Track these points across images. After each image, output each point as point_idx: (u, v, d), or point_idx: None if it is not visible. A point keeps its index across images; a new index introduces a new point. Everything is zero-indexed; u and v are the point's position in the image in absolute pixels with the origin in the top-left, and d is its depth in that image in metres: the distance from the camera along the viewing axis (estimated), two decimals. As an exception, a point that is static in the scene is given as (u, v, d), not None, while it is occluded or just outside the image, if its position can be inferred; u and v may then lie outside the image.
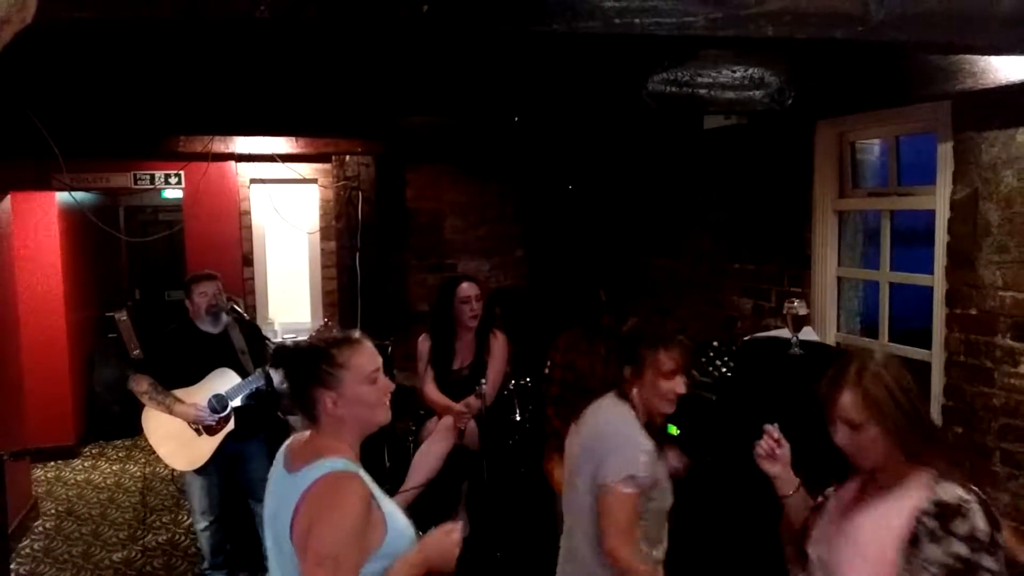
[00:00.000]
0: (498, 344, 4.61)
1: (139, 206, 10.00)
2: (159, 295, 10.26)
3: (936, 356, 3.54)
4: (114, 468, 7.07)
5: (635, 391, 2.57)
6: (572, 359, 4.31)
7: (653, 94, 3.26)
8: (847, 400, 1.93)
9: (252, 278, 6.75)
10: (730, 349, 4.10)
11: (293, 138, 5.95)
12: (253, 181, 6.68)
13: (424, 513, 4.24)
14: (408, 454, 4.67)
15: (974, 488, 1.87)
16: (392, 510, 2.13)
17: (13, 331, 5.93)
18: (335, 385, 2.07)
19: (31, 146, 4.23)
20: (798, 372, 3.44)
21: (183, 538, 5.45)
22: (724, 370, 3.84)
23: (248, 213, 6.72)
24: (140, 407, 4.28)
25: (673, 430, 3.95)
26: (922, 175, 3.79)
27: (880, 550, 1.89)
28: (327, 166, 6.54)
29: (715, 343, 4.08)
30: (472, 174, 6.86)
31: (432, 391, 4.59)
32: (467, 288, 4.58)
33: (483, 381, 4.28)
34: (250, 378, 4.25)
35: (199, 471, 4.27)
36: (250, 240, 6.75)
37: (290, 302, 6.92)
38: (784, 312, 3.65)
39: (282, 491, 2.09)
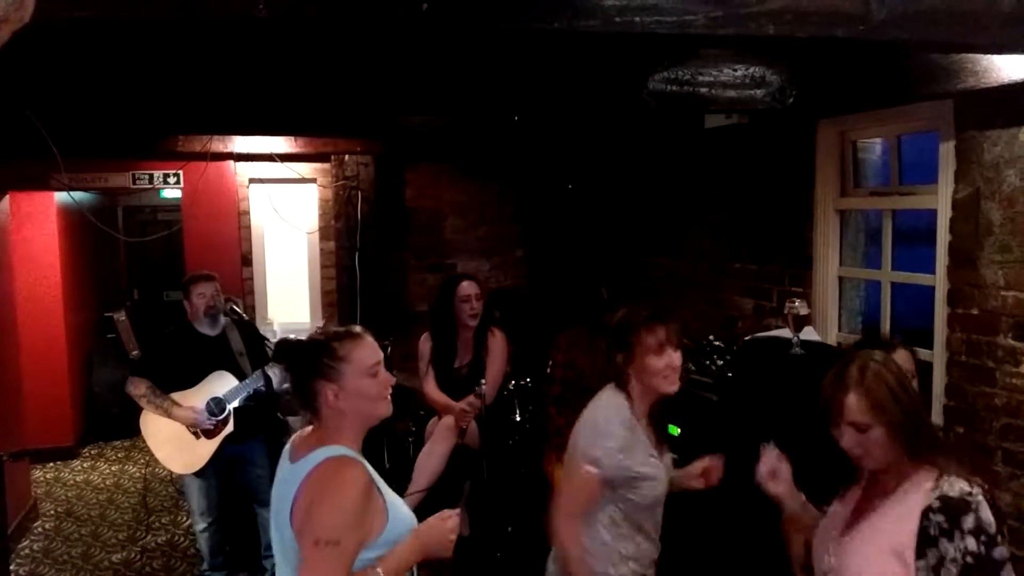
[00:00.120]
0: (496, 343, 4.60)
1: (138, 206, 9.99)
2: (158, 295, 10.25)
3: (938, 356, 3.53)
4: (113, 469, 7.06)
5: (633, 379, 2.58)
6: (574, 358, 4.31)
7: (654, 93, 3.24)
8: (852, 402, 1.93)
9: (251, 278, 6.74)
10: (731, 349, 4.09)
11: (292, 138, 5.94)
12: (252, 181, 6.67)
13: (425, 513, 4.23)
14: (408, 455, 4.66)
15: (977, 481, 1.87)
16: (394, 500, 2.15)
17: (12, 332, 5.92)
18: (336, 378, 2.09)
19: (30, 146, 4.22)
20: (799, 372, 3.42)
21: (182, 539, 5.44)
22: (725, 369, 3.82)
23: (247, 213, 6.71)
24: (138, 409, 4.27)
25: (674, 430, 3.94)
26: (924, 174, 3.78)
27: (891, 552, 1.89)
28: (326, 166, 6.53)
29: (711, 337, 4.07)
30: (472, 174, 6.85)
31: (433, 390, 4.59)
32: (467, 287, 4.58)
33: (483, 381, 4.27)
34: (248, 380, 4.24)
35: (197, 473, 4.25)
36: (249, 240, 6.74)
37: (289, 302, 6.91)
38: (785, 312, 3.64)
39: (284, 482, 2.12)
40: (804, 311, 3.61)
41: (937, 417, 3.48)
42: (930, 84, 3.16)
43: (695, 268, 5.38)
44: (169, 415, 4.18)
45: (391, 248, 6.62)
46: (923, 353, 3.59)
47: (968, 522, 1.80)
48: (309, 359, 2.13)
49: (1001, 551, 1.79)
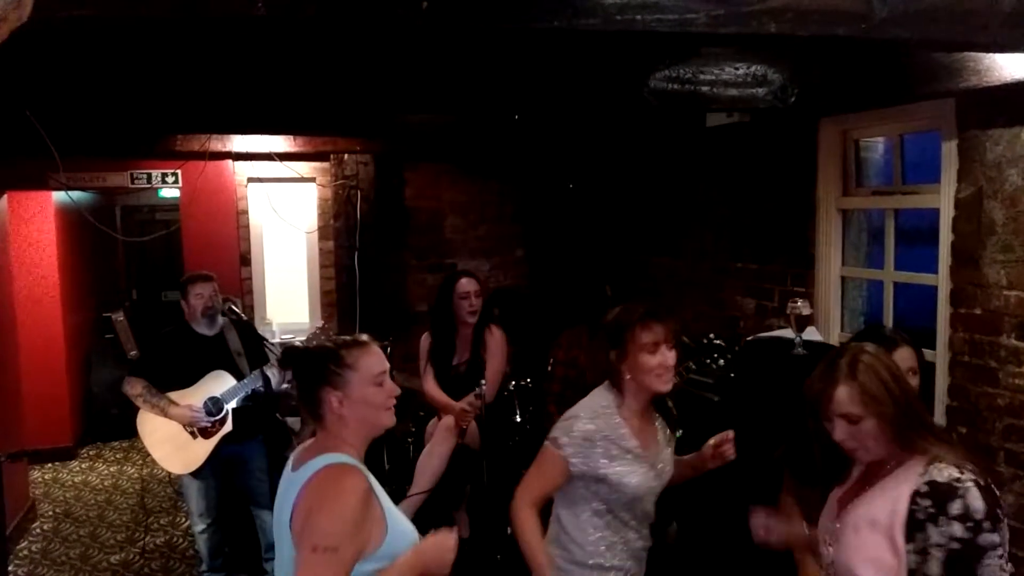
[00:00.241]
0: (494, 340, 4.59)
1: (136, 205, 9.96)
2: (156, 295, 10.24)
3: (940, 356, 3.52)
4: (112, 470, 7.05)
5: (626, 376, 2.57)
6: (575, 356, 4.31)
7: (655, 92, 3.23)
8: (843, 394, 1.94)
9: (250, 278, 6.73)
10: (731, 347, 4.07)
11: (291, 137, 5.92)
12: (251, 180, 6.66)
13: (425, 513, 4.22)
14: (408, 456, 4.65)
15: (970, 467, 1.86)
16: (394, 511, 2.13)
17: (10, 332, 5.91)
18: (342, 385, 2.09)
19: (27, 145, 4.20)
20: (801, 372, 3.40)
21: (181, 540, 5.43)
22: (727, 369, 3.81)
23: (246, 212, 6.70)
24: (137, 409, 4.26)
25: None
26: (926, 173, 3.77)
27: (884, 537, 1.90)
28: (325, 165, 6.52)
29: (712, 335, 4.05)
30: (472, 173, 6.83)
31: (432, 388, 4.58)
32: (466, 284, 4.57)
33: (483, 382, 4.26)
34: (246, 380, 4.23)
35: (195, 474, 4.24)
36: (248, 239, 6.72)
37: (288, 302, 6.89)
38: (787, 312, 3.63)
39: (286, 489, 2.11)
40: (806, 311, 3.60)
41: (940, 418, 3.47)
42: (932, 83, 3.15)
43: (696, 268, 5.37)
44: (166, 414, 4.17)
45: (391, 248, 6.60)
46: (926, 353, 3.57)
47: (955, 508, 1.80)
48: (315, 366, 2.12)
49: (988, 537, 1.78)
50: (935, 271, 3.57)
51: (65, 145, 4.14)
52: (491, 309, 4.84)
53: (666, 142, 5.57)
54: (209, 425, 4.19)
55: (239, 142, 5.88)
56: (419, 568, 2.10)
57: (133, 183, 6.47)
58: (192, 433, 4.21)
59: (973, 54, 2.87)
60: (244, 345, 4.38)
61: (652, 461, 2.61)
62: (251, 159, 6.39)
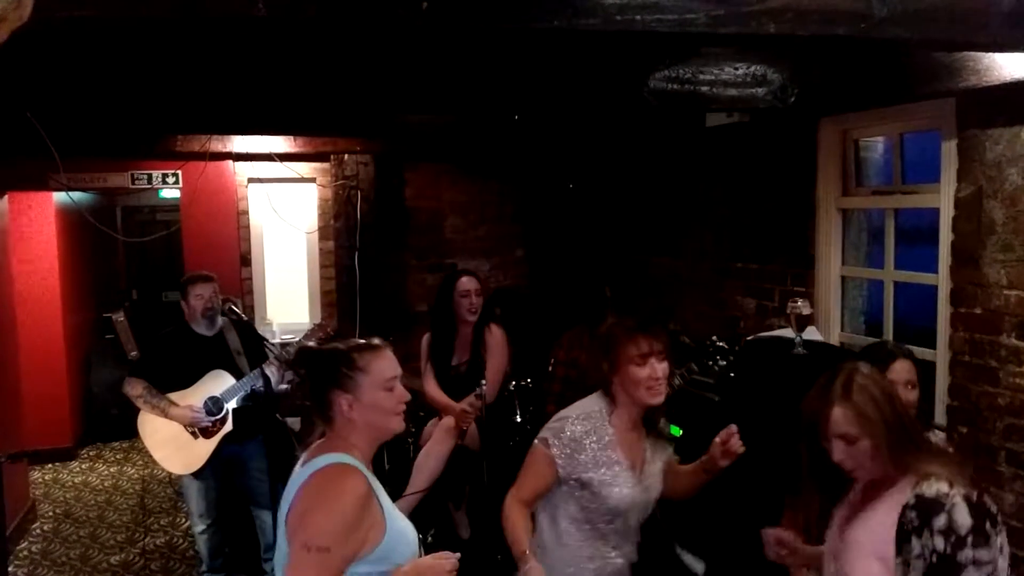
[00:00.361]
0: (494, 339, 4.58)
1: (136, 206, 9.97)
2: (156, 295, 10.24)
3: (941, 355, 3.52)
4: (112, 470, 7.05)
5: (617, 388, 2.58)
6: (576, 356, 4.30)
7: (655, 92, 3.24)
8: (838, 415, 1.96)
9: (250, 278, 6.73)
10: (734, 349, 4.07)
11: (291, 137, 5.92)
12: (251, 180, 6.66)
13: (424, 514, 4.22)
14: (408, 456, 4.65)
15: (964, 483, 1.87)
16: (395, 514, 2.12)
17: (10, 332, 5.91)
18: (352, 388, 2.09)
19: (28, 146, 4.20)
20: (802, 372, 3.41)
21: (181, 541, 5.43)
22: (727, 369, 3.81)
23: (246, 213, 6.70)
24: (137, 410, 4.26)
25: (676, 431, 3.93)
26: (926, 173, 3.77)
27: (879, 551, 1.92)
28: (326, 165, 6.52)
29: (715, 337, 4.06)
30: (472, 173, 6.83)
31: (433, 388, 4.57)
32: (466, 282, 4.57)
33: (483, 382, 4.25)
34: (245, 379, 4.23)
35: (196, 474, 4.24)
36: (248, 240, 6.72)
37: (288, 302, 6.90)
38: (788, 311, 3.63)
39: (289, 487, 2.11)
40: (806, 311, 3.60)
41: (940, 417, 3.48)
42: (932, 82, 3.15)
43: (696, 267, 5.37)
44: (166, 415, 4.17)
45: (391, 248, 6.60)
46: (926, 353, 3.58)
47: (939, 522, 1.81)
48: (327, 367, 2.12)
49: (969, 553, 1.78)
50: (935, 271, 3.57)
51: (66, 146, 4.14)
52: (492, 309, 4.84)
53: (666, 142, 5.57)
54: (210, 425, 4.19)
55: (239, 143, 5.88)
56: None
57: (134, 183, 6.47)
58: (193, 433, 4.21)
59: (973, 53, 2.87)
60: (244, 345, 4.38)
61: (638, 475, 2.61)
62: (251, 159, 6.39)
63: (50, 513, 6.05)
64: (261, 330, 5.08)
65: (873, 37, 2.18)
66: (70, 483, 6.72)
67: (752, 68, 3.28)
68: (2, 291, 5.77)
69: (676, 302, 5.51)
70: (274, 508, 3.99)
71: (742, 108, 3.98)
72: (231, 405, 4.22)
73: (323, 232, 6.76)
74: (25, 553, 5.35)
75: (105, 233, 7.11)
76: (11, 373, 5.79)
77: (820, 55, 3.28)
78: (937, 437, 2.75)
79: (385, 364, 2.14)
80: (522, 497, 2.58)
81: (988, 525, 1.81)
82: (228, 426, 4.21)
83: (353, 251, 6.30)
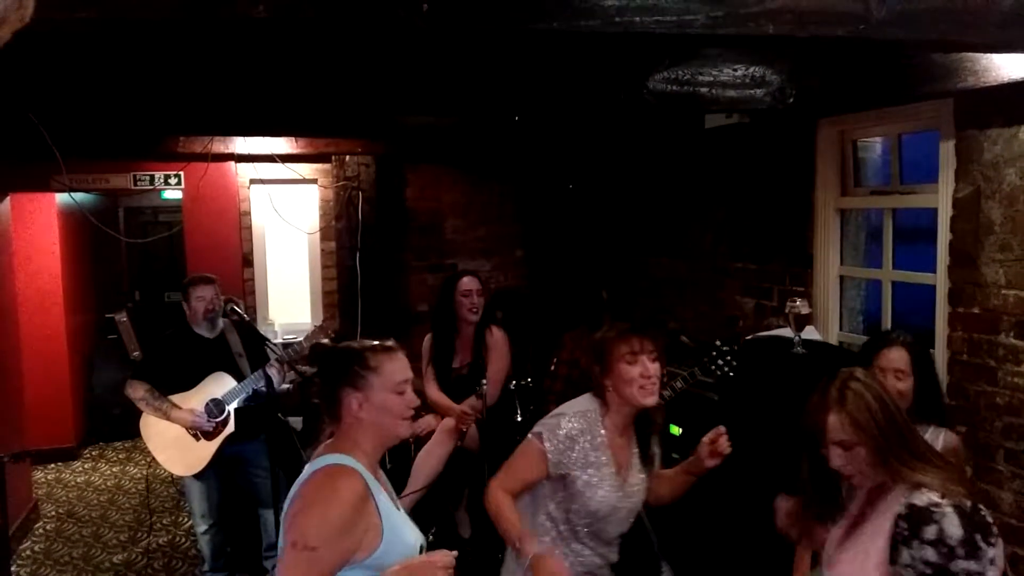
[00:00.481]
0: (496, 341, 4.59)
1: (139, 207, 9.99)
2: (159, 296, 10.24)
3: (939, 355, 3.52)
4: (114, 470, 7.07)
5: (610, 391, 2.59)
6: (578, 357, 4.31)
7: (654, 93, 3.24)
8: (834, 422, 1.97)
9: (252, 279, 6.74)
10: (732, 349, 4.08)
11: (293, 138, 5.94)
12: (253, 181, 6.67)
13: (425, 513, 4.23)
14: (409, 456, 4.66)
15: (959, 493, 1.87)
16: (395, 520, 2.10)
17: (13, 333, 5.93)
18: (363, 387, 2.09)
19: (31, 147, 4.23)
20: (801, 372, 3.42)
21: (184, 540, 5.44)
22: (727, 370, 3.82)
23: (248, 214, 6.71)
24: (139, 410, 4.27)
25: (675, 430, 3.94)
26: (924, 173, 3.78)
27: (874, 560, 1.92)
28: (327, 166, 6.53)
29: (719, 342, 4.07)
30: (472, 174, 6.85)
31: (434, 391, 4.58)
32: (468, 282, 4.58)
33: (484, 381, 4.26)
34: (247, 381, 4.24)
35: (198, 475, 4.26)
36: (250, 241, 6.74)
37: (290, 303, 6.91)
38: (786, 311, 3.64)
39: (292, 488, 2.11)
40: (805, 310, 3.61)
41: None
42: (930, 83, 3.16)
43: (696, 268, 5.38)
44: (168, 417, 4.19)
45: (392, 248, 6.62)
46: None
47: (929, 532, 1.81)
48: (340, 365, 2.13)
49: (962, 564, 1.78)
50: (933, 270, 3.59)
51: (68, 147, 4.16)
52: (493, 311, 4.85)
53: (665, 143, 5.58)
54: (211, 428, 4.20)
55: (241, 144, 5.90)
56: None
57: (136, 185, 6.48)
58: (195, 435, 4.22)
59: (971, 54, 2.87)
60: (245, 346, 4.40)
61: (623, 480, 2.62)
62: (253, 161, 6.41)
63: (53, 513, 6.06)
64: (263, 330, 5.09)
65: (872, 38, 2.18)
66: (73, 483, 6.73)
67: (751, 69, 3.29)
68: (5, 292, 5.78)
69: (675, 302, 5.52)
70: (276, 507, 4.02)
71: (741, 109, 3.99)
72: (233, 407, 4.23)
73: (324, 233, 6.77)
74: (28, 552, 5.36)
75: (107, 234, 7.12)
76: (14, 373, 5.81)
77: (819, 56, 3.28)
78: (947, 438, 2.74)
79: (397, 367, 2.15)
80: (506, 487, 2.58)
81: (980, 537, 1.80)
82: (230, 427, 4.22)
83: (354, 252, 6.32)
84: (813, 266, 4.31)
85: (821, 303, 4.26)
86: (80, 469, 7.09)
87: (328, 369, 2.17)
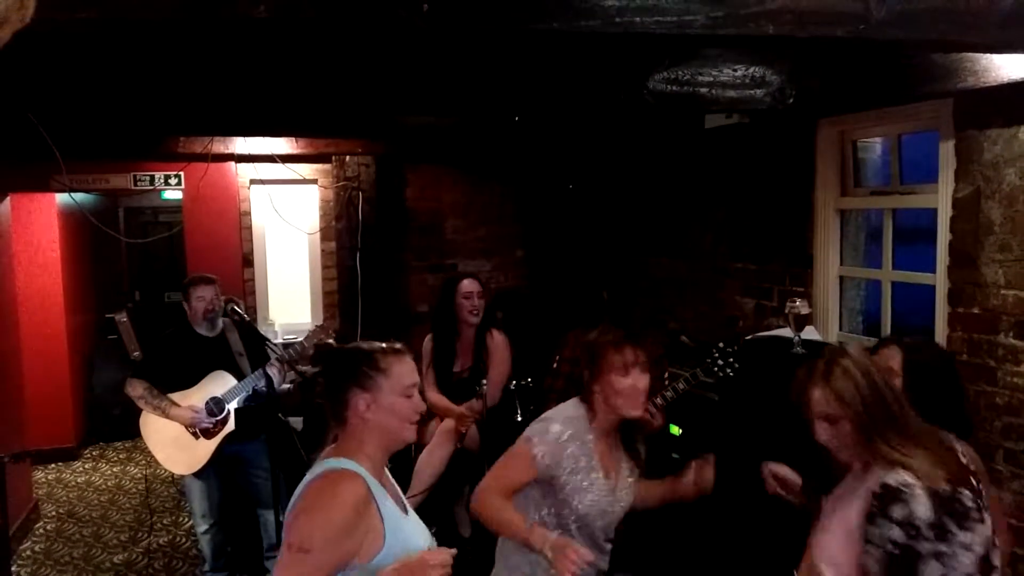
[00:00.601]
0: (496, 344, 4.60)
1: (139, 207, 10.00)
2: (159, 296, 10.25)
3: (939, 355, 3.52)
4: (115, 470, 7.07)
5: (597, 397, 2.59)
6: (579, 356, 4.30)
7: (654, 93, 3.24)
8: (817, 396, 2.00)
9: (252, 279, 6.74)
10: (734, 350, 4.08)
11: (293, 139, 5.94)
12: (253, 182, 6.67)
13: (425, 513, 4.23)
14: (408, 456, 4.66)
15: (939, 475, 1.86)
16: (399, 525, 2.08)
17: (13, 333, 5.93)
18: (372, 388, 2.08)
19: (31, 147, 4.22)
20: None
21: (184, 540, 5.44)
22: (728, 371, 3.82)
23: (248, 214, 6.71)
24: (139, 410, 4.28)
25: (675, 430, 3.94)
26: (924, 174, 3.78)
27: (852, 536, 1.94)
28: (327, 166, 6.53)
29: (721, 344, 4.08)
30: (472, 174, 6.85)
31: (433, 394, 4.58)
32: (468, 284, 4.59)
33: (484, 382, 4.27)
34: (247, 380, 4.24)
35: (198, 475, 4.26)
36: (250, 241, 6.73)
37: (290, 303, 6.91)
38: (786, 311, 3.64)
39: (296, 491, 2.10)
40: (805, 310, 3.61)
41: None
42: (930, 83, 3.16)
43: (695, 268, 5.38)
44: (167, 415, 4.19)
45: (392, 249, 6.62)
46: (924, 352, 3.59)
47: (897, 512, 1.83)
48: (348, 365, 2.12)
49: (927, 546, 1.79)
50: (933, 271, 3.59)
51: (68, 147, 4.16)
52: (494, 314, 4.86)
53: (665, 143, 5.58)
54: (211, 425, 4.21)
55: (241, 144, 5.90)
56: None
57: (136, 185, 6.48)
58: (195, 434, 4.22)
59: (971, 55, 2.87)
60: (245, 345, 4.40)
61: (612, 485, 2.62)
62: (253, 161, 6.41)
63: (53, 513, 6.07)
64: (263, 331, 5.09)
65: (871, 39, 2.18)
66: (73, 483, 6.74)
67: (751, 70, 3.29)
68: (5, 292, 5.79)
69: (676, 302, 5.52)
70: (276, 507, 4.02)
71: (741, 109, 3.99)
72: (233, 406, 4.23)
73: (325, 233, 6.77)
74: (28, 552, 5.37)
75: (108, 234, 7.13)
76: (14, 373, 5.81)
77: (819, 56, 3.29)
78: (964, 450, 2.73)
79: (406, 370, 2.14)
80: (497, 492, 2.58)
81: (952, 521, 1.81)
82: (230, 426, 4.23)
83: (354, 252, 6.32)
84: (813, 266, 4.31)
85: (821, 303, 4.27)
86: (80, 469, 7.09)
87: (336, 369, 2.15)
